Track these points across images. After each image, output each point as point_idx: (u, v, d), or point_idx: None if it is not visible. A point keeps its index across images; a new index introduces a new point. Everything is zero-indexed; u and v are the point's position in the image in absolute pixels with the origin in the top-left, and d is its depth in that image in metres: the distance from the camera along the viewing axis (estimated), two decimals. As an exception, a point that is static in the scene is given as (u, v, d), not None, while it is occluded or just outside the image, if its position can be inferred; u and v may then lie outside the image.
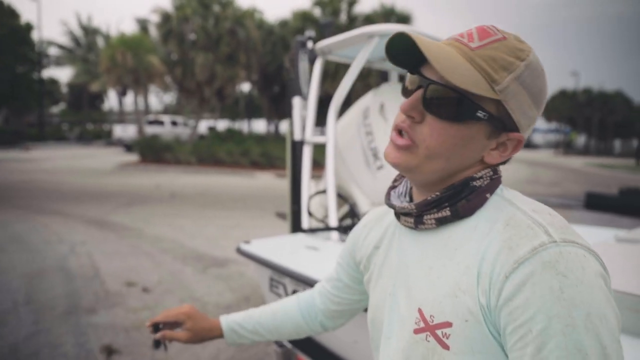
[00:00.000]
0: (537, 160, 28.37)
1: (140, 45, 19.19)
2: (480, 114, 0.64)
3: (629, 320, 1.20)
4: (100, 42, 35.22)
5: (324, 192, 2.53)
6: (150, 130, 23.09)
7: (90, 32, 36.07)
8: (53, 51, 35.97)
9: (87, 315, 3.59)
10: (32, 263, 4.82)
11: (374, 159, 2.72)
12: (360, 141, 2.80)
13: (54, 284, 4.25)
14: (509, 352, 0.58)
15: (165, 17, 19.35)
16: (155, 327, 1.04)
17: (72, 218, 7.24)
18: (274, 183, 12.82)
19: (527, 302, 0.55)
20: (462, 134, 0.65)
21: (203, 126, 28.44)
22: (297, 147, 2.72)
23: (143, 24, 23.37)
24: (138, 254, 5.35)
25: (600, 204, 8.60)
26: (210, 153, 16.54)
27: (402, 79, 3.44)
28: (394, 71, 3.34)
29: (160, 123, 25.55)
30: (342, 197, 2.56)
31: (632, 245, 1.81)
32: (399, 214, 0.75)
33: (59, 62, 36.05)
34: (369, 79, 16.87)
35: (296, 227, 2.69)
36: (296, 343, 2.03)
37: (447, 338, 0.63)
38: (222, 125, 34.01)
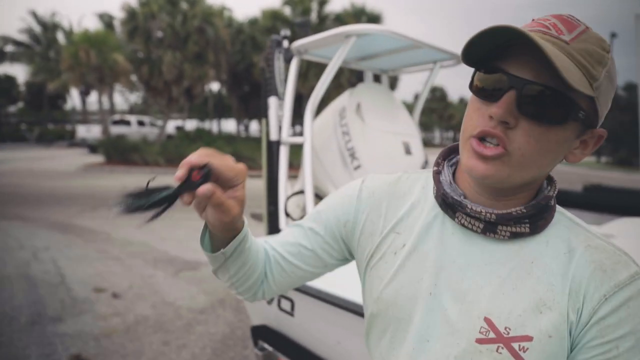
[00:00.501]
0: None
1: (105, 43, 18.58)
2: (581, 114, 0.60)
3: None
4: (61, 38, 33.94)
5: (301, 192, 2.50)
6: (115, 130, 22.42)
7: (50, 27, 34.70)
8: (9, 47, 34.42)
9: (53, 324, 3.44)
10: (-9, 271, 4.59)
11: (351, 159, 2.70)
12: (337, 141, 2.79)
13: (16, 292, 4.06)
14: None
15: (131, 14, 18.82)
16: (206, 175, 0.61)
17: (34, 222, 6.94)
18: (245, 183, 12.66)
19: (620, 322, 0.61)
20: (561, 138, 0.61)
21: (171, 126, 27.83)
22: (274, 147, 2.68)
23: (107, 20, 22.65)
24: (106, 259, 5.17)
25: (566, 201, 8.93)
26: (179, 154, 16.18)
27: (377, 78, 3.44)
28: (369, 71, 3.34)
29: (127, 123, 24.86)
30: (320, 198, 2.54)
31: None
32: (457, 210, 0.68)
33: (15, 58, 34.49)
34: (341, 78, 16.93)
35: (273, 228, 2.64)
36: (277, 345, 1.99)
37: (525, 352, 0.62)
38: (190, 125, 33.36)
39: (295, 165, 3.34)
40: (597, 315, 0.62)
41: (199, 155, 0.61)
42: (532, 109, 0.59)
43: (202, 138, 19.48)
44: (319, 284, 1.79)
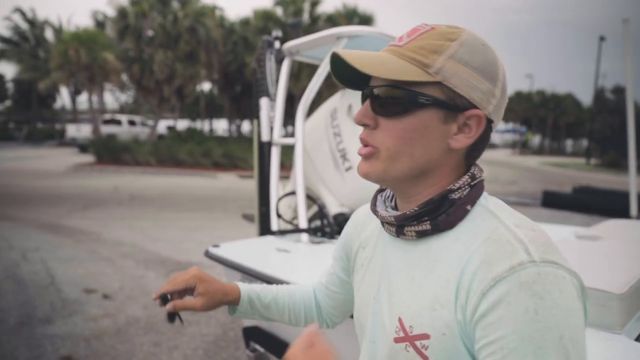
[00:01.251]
0: (495, 159, 29.39)
1: (95, 41, 18.41)
2: (422, 99, 0.64)
3: (593, 314, 1.26)
4: (50, 36, 33.58)
5: (293, 193, 2.51)
6: (106, 129, 22.25)
7: (38, 25, 34.30)
8: (-2, 46, 33.97)
9: (43, 325, 3.41)
10: (-21, 272, 4.54)
11: (343, 160, 2.72)
12: (328, 142, 2.80)
13: (4, 293, 4.02)
14: None
15: (122, 12, 18.69)
16: (164, 299, 0.90)
17: (23, 223, 6.87)
18: (237, 184, 12.65)
19: (501, 320, 0.55)
20: (415, 126, 0.66)
21: (162, 126, 27.66)
22: (265, 148, 2.68)
23: (100, 19, 22.47)
24: (97, 260, 5.14)
25: (556, 202, 9.05)
26: (171, 153, 16.12)
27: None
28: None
29: (117, 122, 24.69)
30: (311, 198, 2.54)
31: (592, 241, 1.89)
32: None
33: (3, 55, 34.06)
34: (332, 78, 16.92)
35: (265, 229, 2.65)
36: (269, 346, 2.00)
37: (426, 349, 0.64)
38: (182, 125, 33.19)
39: (287, 165, 3.34)
40: (478, 313, 0.58)
41: (165, 286, 0.90)
42: (379, 107, 0.67)
43: (194, 138, 19.41)
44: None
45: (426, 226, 0.68)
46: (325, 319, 1.02)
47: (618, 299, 1.25)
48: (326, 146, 2.81)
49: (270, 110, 2.74)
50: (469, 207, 0.67)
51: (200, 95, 32.62)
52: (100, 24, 22.32)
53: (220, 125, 41.17)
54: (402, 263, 0.71)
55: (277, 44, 2.79)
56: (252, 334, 2.08)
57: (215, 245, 2.17)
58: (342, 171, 2.74)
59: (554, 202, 9.15)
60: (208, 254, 2.12)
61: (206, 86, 30.50)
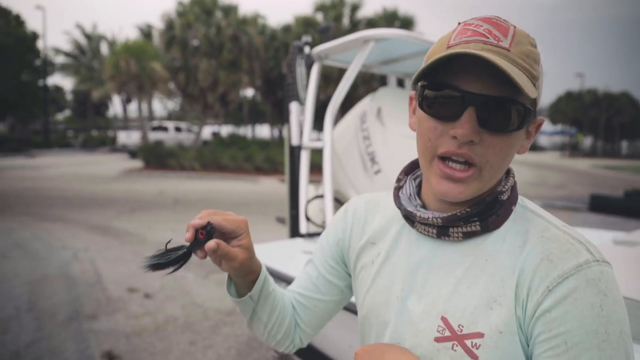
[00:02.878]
0: (542, 162, 28.22)
1: (144, 52, 19.30)
2: (532, 115, 0.64)
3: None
4: (104, 49, 35.51)
5: (321, 196, 2.53)
6: (154, 136, 23.20)
7: (94, 39, 36.35)
8: (59, 59, 36.29)
9: (89, 321, 3.60)
10: (35, 270, 4.85)
11: (372, 164, 2.71)
12: (357, 146, 2.80)
13: (56, 290, 4.27)
14: None
15: (169, 24, 19.48)
16: (209, 232, 0.69)
17: (76, 224, 7.28)
18: (277, 188, 12.83)
19: (566, 315, 0.57)
20: (517, 141, 0.65)
21: (207, 132, 28.52)
22: (295, 152, 2.73)
23: (146, 31, 23.49)
24: (140, 260, 5.36)
25: (605, 206, 8.55)
26: (214, 159, 16.59)
27: (400, 82, 3.44)
28: (392, 75, 3.34)
29: (164, 129, 25.66)
30: (340, 202, 2.56)
31: (630, 247, 1.80)
32: (414, 220, 0.71)
33: (63, 69, 36.34)
34: (373, 83, 16.88)
35: (295, 232, 2.69)
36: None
37: (477, 348, 0.63)
38: (226, 130, 34.09)
39: (321, 169, 3.37)
40: (541, 308, 0.59)
41: (201, 217, 0.70)
42: (493, 123, 0.60)
43: (237, 143, 19.86)
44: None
45: (475, 227, 0.66)
46: (299, 333, 0.90)
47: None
48: (355, 149, 2.82)
49: (300, 114, 2.78)
50: (513, 207, 0.68)
51: (244, 101, 33.38)
52: (147, 36, 23.31)
53: (263, 131, 41.91)
54: (441, 262, 0.69)
55: (307, 49, 2.83)
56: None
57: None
58: (371, 174, 2.73)
59: (603, 206, 8.65)
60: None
61: (249, 92, 31.18)
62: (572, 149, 47.52)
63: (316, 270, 0.89)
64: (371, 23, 21.43)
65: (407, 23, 21.95)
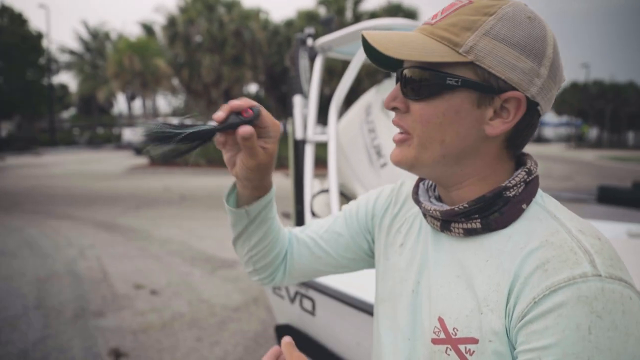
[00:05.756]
0: (548, 154, 28.03)
1: (147, 49, 19.33)
2: (450, 80, 0.59)
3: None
4: (108, 47, 35.55)
5: (326, 191, 2.50)
6: (159, 133, 23.23)
7: (98, 37, 36.42)
8: (63, 57, 36.40)
9: (95, 318, 3.61)
10: (42, 267, 4.86)
11: (377, 157, 2.68)
12: (363, 139, 2.77)
13: (63, 288, 4.28)
14: None
15: (171, 20, 19.46)
16: (236, 121, 0.65)
17: (82, 222, 7.30)
18: (283, 183, 12.75)
19: (547, 330, 0.51)
20: (444, 110, 0.61)
21: (211, 128, 28.48)
22: (299, 146, 2.69)
23: (148, 28, 23.46)
24: (146, 257, 5.37)
25: (613, 198, 8.43)
26: (219, 154, 16.23)
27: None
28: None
29: (169, 126, 25.69)
30: (346, 196, 2.52)
31: (644, 239, 1.76)
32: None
33: (68, 67, 36.47)
34: (377, 75, 16.80)
35: (300, 226, 2.66)
36: (300, 345, 2.00)
37: (471, 354, 0.59)
38: (230, 126, 34.06)
39: (326, 163, 3.34)
40: (525, 319, 0.53)
41: (246, 100, 0.68)
42: (410, 90, 0.63)
43: (241, 139, 19.86)
44: (339, 285, 1.78)
45: (476, 224, 0.62)
46: (282, 272, 0.87)
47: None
48: (361, 142, 2.79)
49: (304, 107, 2.74)
50: (524, 206, 0.62)
51: (248, 96, 33.33)
52: (149, 32, 23.29)
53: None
54: (446, 259, 0.66)
55: (309, 42, 2.79)
56: (284, 332, 2.09)
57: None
58: (377, 167, 2.70)
59: (611, 197, 8.53)
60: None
61: (253, 88, 31.14)
62: (578, 141, 47.16)
63: (339, 228, 0.86)
64: (374, 16, 21.30)
65: (410, 15, 21.79)
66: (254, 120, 0.66)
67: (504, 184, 0.62)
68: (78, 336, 3.30)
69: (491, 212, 0.62)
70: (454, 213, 0.63)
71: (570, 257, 0.53)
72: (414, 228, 0.76)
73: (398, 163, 0.66)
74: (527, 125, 0.62)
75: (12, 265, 4.96)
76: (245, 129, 0.65)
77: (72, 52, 36.37)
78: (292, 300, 2.03)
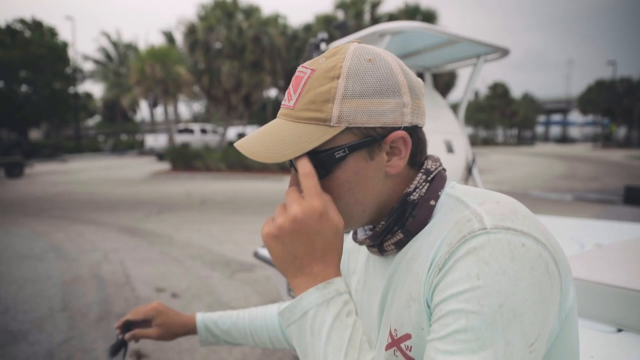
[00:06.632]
0: (573, 154, 27.40)
1: (168, 57, 19.69)
2: (338, 154, 0.62)
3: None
4: (131, 56, 36.40)
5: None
6: (180, 138, 23.65)
7: (120, 47, 37.31)
8: (88, 66, 37.42)
9: (118, 320, 3.69)
10: (67, 271, 5.00)
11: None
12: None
13: (87, 290, 4.40)
14: None
15: (191, 28, 19.80)
16: (127, 327, 1.02)
17: (106, 226, 7.48)
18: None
19: (446, 286, 0.54)
20: (345, 177, 0.63)
21: (232, 133, 28.90)
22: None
23: (169, 36, 23.91)
24: (168, 260, 5.46)
25: (635, 196, 8.20)
26: (240, 159, 16.77)
27: (420, 76, 3.38)
28: (412, 69, 3.28)
29: (190, 131, 26.12)
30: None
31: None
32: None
33: (92, 76, 37.45)
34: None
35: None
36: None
37: (410, 350, 0.62)
38: (250, 131, 34.45)
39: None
40: (435, 286, 0.56)
41: (128, 315, 1.03)
42: (302, 177, 0.64)
43: (261, 143, 19.99)
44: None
45: (399, 235, 0.66)
46: None
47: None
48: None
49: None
50: (432, 202, 0.65)
51: (267, 101, 33.61)
52: (170, 40, 23.73)
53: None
54: (390, 276, 0.70)
55: (323, 46, 2.81)
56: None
57: (263, 246, 2.23)
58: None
59: (638, 198, 8.30)
60: (256, 255, 2.18)
61: (272, 93, 31.38)
62: (605, 140, 45.91)
63: None
64: (392, 19, 21.25)
65: (429, 17, 21.67)
66: (130, 329, 1.03)
67: (405, 191, 0.66)
68: (102, 338, 3.38)
69: (406, 219, 0.65)
70: (377, 234, 0.68)
71: (465, 225, 0.57)
72: (360, 266, 0.82)
73: (354, 229, 0.72)
74: (418, 143, 0.66)
75: (39, 268, 5.12)
76: (126, 338, 1.01)
77: (96, 62, 37.34)
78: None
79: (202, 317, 1.03)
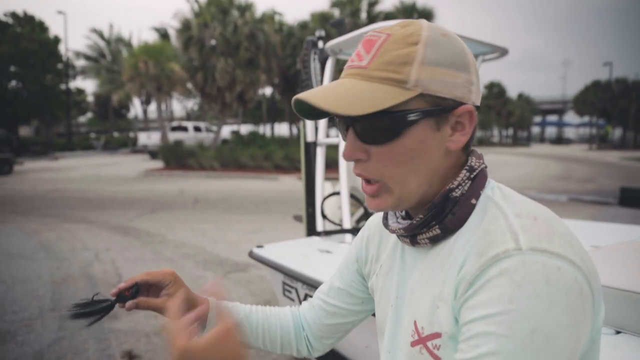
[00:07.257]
0: (569, 155, 27.58)
1: (162, 53, 19.56)
2: (411, 117, 0.61)
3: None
4: (124, 52, 36.12)
5: (337, 194, 2.47)
6: (173, 136, 23.47)
7: (113, 43, 37.02)
8: (80, 62, 37.09)
9: (109, 321, 3.62)
10: (58, 270, 4.92)
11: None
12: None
13: (78, 290, 4.32)
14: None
15: (186, 24, 19.66)
16: (134, 291, 0.81)
17: (97, 225, 7.39)
18: (297, 186, 12.82)
19: (476, 305, 0.54)
20: (412, 145, 0.63)
21: (226, 131, 28.76)
22: (310, 148, 2.67)
23: (163, 32, 23.74)
24: (160, 260, 5.40)
25: (637, 200, 8.25)
26: (234, 158, 16.69)
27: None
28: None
29: (184, 129, 25.96)
30: (357, 200, 2.49)
31: (667, 243, 1.69)
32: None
33: (84, 72, 37.14)
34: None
35: (311, 230, 2.64)
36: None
37: (438, 349, 0.62)
38: (245, 129, 34.32)
39: (337, 165, 3.31)
40: (462, 299, 0.57)
41: (131, 279, 0.82)
42: (368, 137, 0.63)
43: (256, 142, 19.95)
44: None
45: (436, 231, 0.66)
46: (310, 344, 0.95)
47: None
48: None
49: (315, 110, 2.72)
50: (474, 200, 0.65)
51: (262, 99, 33.53)
52: (164, 36, 23.57)
53: (282, 129, 42.04)
54: (419, 270, 0.70)
55: (320, 44, 2.77)
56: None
57: (259, 246, 2.18)
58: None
59: (635, 199, 8.35)
60: (252, 255, 2.14)
61: (267, 91, 31.30)
62: (601, 141, 46.27)
63: (341, 281, 0.93)
64: (389, 17, 21.25)
65: (425, 16, 21.68)
66: (135, 295, 0.81)
67: (448, 187, 0.66)
68: (92, 338, 3.32)
69: (445, 216, 0.65)
70: (414, 226, 0.67)
71: (497, 239, 0.57)
72: (387, 252, 0.81)
73: (383, 210, 0.69)
74: (476, 124, 0.67)
75: (29, 267, 5.03)
76: (128, 305, 0.81)
77: (87, 58, 37.02)
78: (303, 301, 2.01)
79: (214, 303, 0.89)
